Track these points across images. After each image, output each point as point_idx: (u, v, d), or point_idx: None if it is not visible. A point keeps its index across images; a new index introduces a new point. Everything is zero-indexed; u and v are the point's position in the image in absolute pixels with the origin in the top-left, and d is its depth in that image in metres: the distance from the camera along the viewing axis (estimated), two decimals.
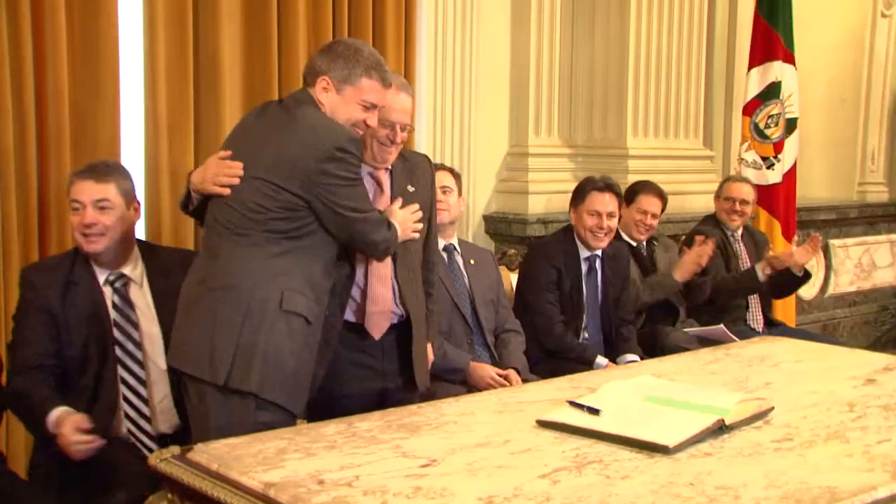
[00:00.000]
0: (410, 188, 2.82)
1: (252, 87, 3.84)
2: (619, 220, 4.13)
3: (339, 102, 2.54)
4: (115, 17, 3.43)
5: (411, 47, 4.30)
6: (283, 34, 3.87)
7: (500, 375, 3.34)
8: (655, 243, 4.34)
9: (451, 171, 3.61)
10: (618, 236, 4.10)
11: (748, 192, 4.68)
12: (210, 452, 2.00)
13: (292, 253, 2.47)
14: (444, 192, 3.42)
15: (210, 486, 1.87)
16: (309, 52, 3.94)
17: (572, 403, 2.25)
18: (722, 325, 4.12)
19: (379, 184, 2.79)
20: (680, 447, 2.02)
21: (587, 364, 3.55)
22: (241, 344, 2.39)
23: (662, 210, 4.29)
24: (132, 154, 3.58)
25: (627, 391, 2.37)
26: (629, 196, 4.18)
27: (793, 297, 5.78)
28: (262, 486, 1.81)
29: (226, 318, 2.41)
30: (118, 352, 2.66)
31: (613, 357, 3.74)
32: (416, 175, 2.88)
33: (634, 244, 4.24)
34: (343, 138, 2.47)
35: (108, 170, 2.72)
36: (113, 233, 2.66)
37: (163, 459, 2.00)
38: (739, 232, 4.70)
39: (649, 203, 4.19)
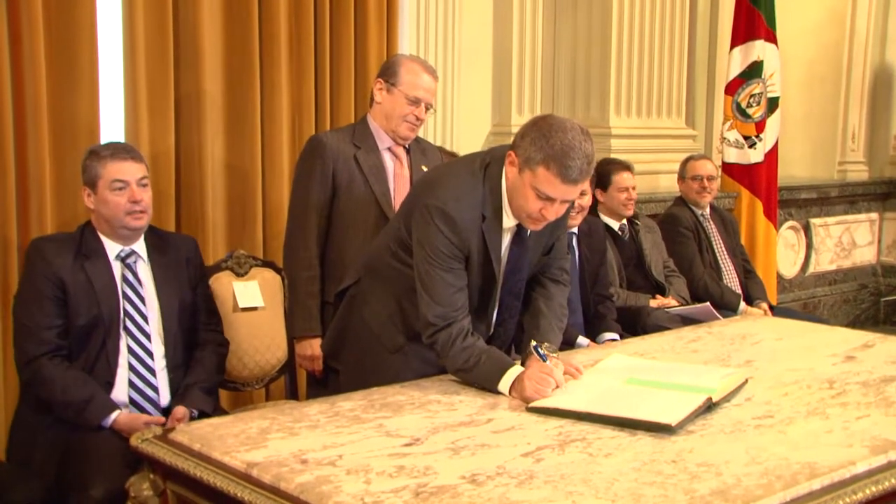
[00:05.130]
0: (424, 168, 3.06)
1: (232, 67, 3.80)
2: (599, 205, 4.16)
3: (518, 183, 2.34)
4: None
5: (393, 26, 4.26)
6: (264, 13, 3.82)
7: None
8: (638, 224, 4.34)
9: (453, 155, 3.66)
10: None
11: (713, 168, 4.75)
12: (192, 433, 2.00)
13: None
14: None
15: (192, 466, 1.87)
16: (290, 31, 3.91)
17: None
18: (708, 304, 4.12)
19: (398, 158, 3.08)
20: (681, 425, 2.03)
21: (569, 344, 3.54)
22: None
23: None
24: (112, 135, 3.55)
25: (606, 377, 2.38)
26: (602, 181, 4.17)
27: (773, 275, 5.82)
28: (244, 465, 1.82)
29: None
30: (128, 324, 2.70)
31: (593, 335, 3.74)
32: (428, 157, 3.16)
33: (616, 227, 4.24)
34: (436, 203, 2.37)
35: (135, 150, 2.80)
36: (150, 209, 2.77)
37: (144, 440, 2.00)
38: (707, 211, 4.73)
39: (626, 179, 4.20)
